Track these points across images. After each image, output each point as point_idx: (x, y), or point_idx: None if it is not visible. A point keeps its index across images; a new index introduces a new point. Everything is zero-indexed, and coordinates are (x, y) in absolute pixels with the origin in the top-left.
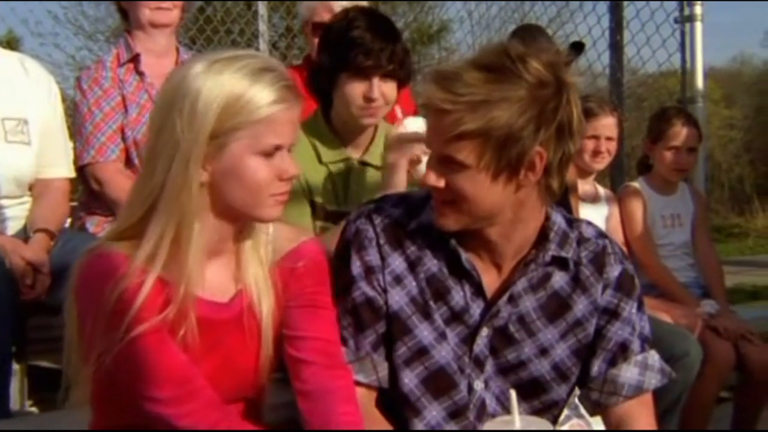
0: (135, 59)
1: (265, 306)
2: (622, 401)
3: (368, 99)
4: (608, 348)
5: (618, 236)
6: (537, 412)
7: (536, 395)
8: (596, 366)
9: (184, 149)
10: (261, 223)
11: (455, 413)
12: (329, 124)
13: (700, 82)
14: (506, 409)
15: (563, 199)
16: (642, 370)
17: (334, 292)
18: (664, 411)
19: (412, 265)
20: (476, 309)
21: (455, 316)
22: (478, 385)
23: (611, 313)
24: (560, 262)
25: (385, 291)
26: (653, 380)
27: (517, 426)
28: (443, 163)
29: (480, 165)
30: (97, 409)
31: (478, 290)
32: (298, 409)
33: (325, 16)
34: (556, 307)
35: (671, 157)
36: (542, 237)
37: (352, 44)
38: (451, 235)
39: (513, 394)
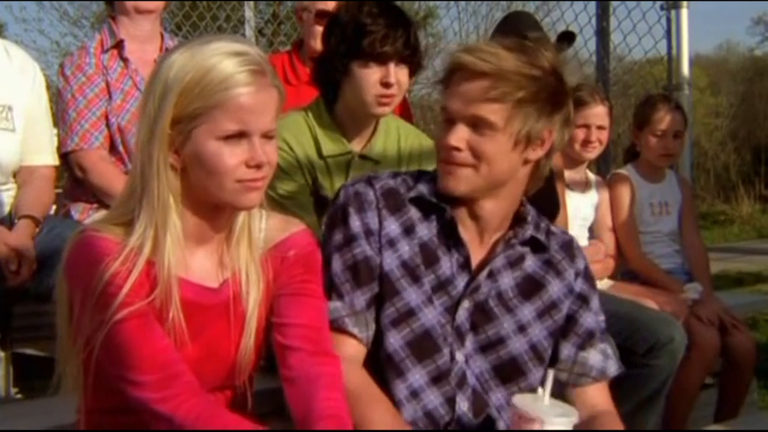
0: (119, 45)
1: (253, 295)
2: (590, 383)
3: (386, 85)
4: (579, 333)
5: (607, 222)
6: None
7: (515, 378)
8: (566, 349)
9: (152, 133)
10: (255, 212)
11: (438, 378)
12: (332, 115)
13: (686, 69)
14: (485, 389)
15: (550, 187)
16: (604, 357)
17: (332, 248)
18: (649, 396)
19: (407, 231)
20: (461, 281)
21: (441, 286)
22: (460, 356)
23: (583, 300)
24: (534, 245)
25: (380, 252)
26: (612, 368)
27: (546, 402)
28: (469, 124)
29: (506, 129)
30: (86, 392)
31: (466, 263)
32: (285, 396)
33: (329, 5)
34: (531, 287)
35: (657, 142)
36: (519, 219)
37: (366, 30)
38: (446, 207)
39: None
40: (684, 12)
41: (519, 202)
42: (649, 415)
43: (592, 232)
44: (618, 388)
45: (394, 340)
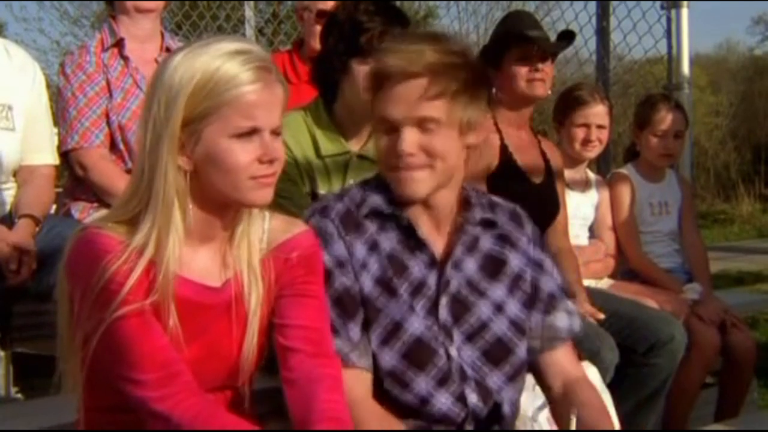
0: (119, 44)
1: (255, 295)
2: (559, 344)
3: None
4: (542, 299)
5: (607, 222)
6: (512, 379)
7: (505, 358)
8: (534, 317)
9: (160, 137)
10: (257, 213)
11: (443, 379)
12: (330, 115)
13: (686, 68)
14: (481, 377)
15: (550, 186)
16: (568, 315)
17: None
18: (650, 395)
19: (372, 249)
20: (432, 280)
21: (416, 291)
22: (453, 352)
23: (539, 266)
24: (485, 224)
25: (357, 279)
26: (577, 323)
27: None
28: (418, 126)
29: (449, 121)
30: (85, 390)
31: (432, 261)
32: (285, 397)
33: (330, 4)
34: (494, 266)
35: (657, 142)
36: (465, 202)
37: (363, 28)
38: (401, 213)
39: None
40: (684, 11)
41: (459, 185)
42: (649, 414)
43: (593, 231)
44: (618, 387)
45: (390, 357)
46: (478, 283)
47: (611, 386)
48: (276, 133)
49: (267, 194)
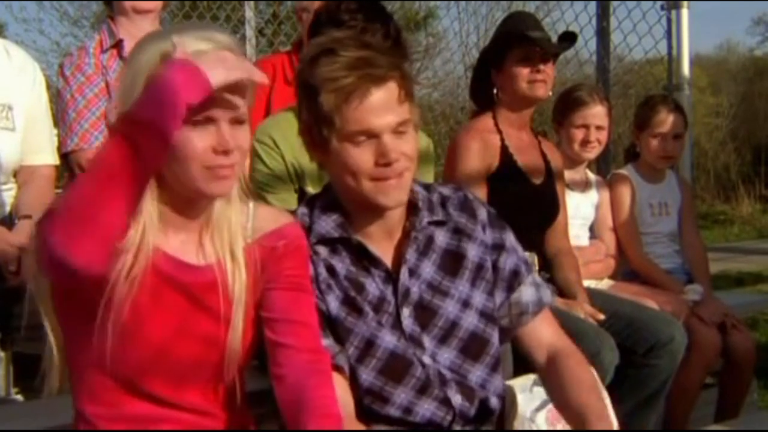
0: (118, 45)
1: (238, 283)
2: (530, 318)
3: None
4: (504, 278)
5: (608, 222)
6: (494, 369)
7: (484, 350)
8: (497, 297)
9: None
10: (236, 198)
11: (423, 388)
12: None
13: (686, 69)
14: (460, 375)
15: (550, 186)
16: (536, 288)
17: None
18: (650, 396)
19: (330, 271)
20: (390, 294)
21: (377, 308)
22: (426, 359)
23: (498, 247)
24: (436, 223)
25: (323, 299)
26: (547, 294)
27: None
28: (397, 132)
29: (412, 119)
30: (75, 393)
31: (387, 275)
32: (275, 394)
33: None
34: (452, 262)
35: (657, 144)
36: (412, 206)
37: (346, 26)
38: (350, 235)
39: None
40: (684, 12)
41: None
42: (649, 415)
43: (593, 231)
44: (618, 388)
45: (366, 375)
46: (439, 284)
47: (611, 387)
48: (238, 121)
49: (223, 186)
